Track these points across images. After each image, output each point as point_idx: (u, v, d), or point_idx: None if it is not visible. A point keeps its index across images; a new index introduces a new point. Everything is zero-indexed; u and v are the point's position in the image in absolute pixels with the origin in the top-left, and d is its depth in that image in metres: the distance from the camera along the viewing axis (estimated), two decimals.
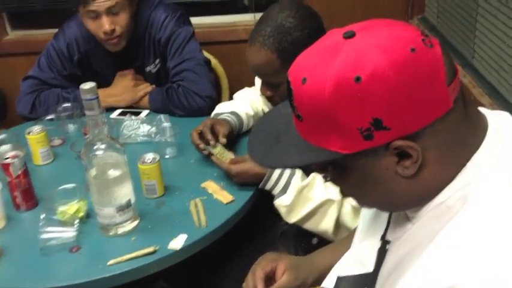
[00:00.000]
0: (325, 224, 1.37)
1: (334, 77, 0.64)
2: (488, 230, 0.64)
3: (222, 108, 1.71)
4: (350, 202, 1.34)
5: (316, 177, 1.39)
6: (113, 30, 1.77)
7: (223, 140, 1.51)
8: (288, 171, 1.40)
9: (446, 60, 0.66)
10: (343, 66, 0.64)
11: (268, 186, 1.42)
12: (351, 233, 1.17)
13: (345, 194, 0.77)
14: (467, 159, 0.69)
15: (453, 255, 0.64)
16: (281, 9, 1.37)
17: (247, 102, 1.71)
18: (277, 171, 1.41)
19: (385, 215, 0.83)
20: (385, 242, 0.80)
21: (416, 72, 0.63)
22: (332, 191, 1.36)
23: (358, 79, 0.63)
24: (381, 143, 0.65)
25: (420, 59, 0.64)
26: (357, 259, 0.87)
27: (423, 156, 0.66)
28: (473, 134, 0.70)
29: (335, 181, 0.77)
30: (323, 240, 1.42)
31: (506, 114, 0.75)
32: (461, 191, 0.68)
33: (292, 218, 1.39)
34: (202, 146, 1.51)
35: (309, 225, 1.39)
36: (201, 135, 1.53)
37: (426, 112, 0.64)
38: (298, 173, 1.40)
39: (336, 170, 0.73)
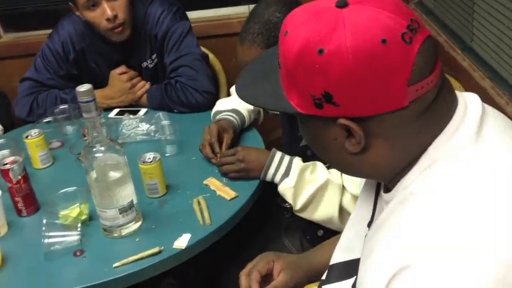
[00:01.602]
0: (330, 208, 1.36)
1: (303, 41, 0.66)
2: (438, 212, 0.64)
3: (222, 106, 1.69)
4: (349, 191, 1.35)
5: (317, 162, 1.40)
6: (115, 17, 1.75)
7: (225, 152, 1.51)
8: (287, 158, 1.40)
9: (420, 59, 0.65)
10: (315, 34, 0.65)
11: (269, 175, 1.41)
12: None
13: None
14: (428, 145, 0.69)
15: (404, 238, 0.65)
16: (267, 5, 1.37)
17: None
18: (276, 160, 1.41)
19: (370, 202, 0.83)
20: None
21: (375, 64, 0.63)
22: (334, 174, 1.36)
23: (321, 51, 0.64)
24: (330, 115, 0.68)
25: (385, 53, 0.63)
26: (346, 246, 0.88)
27: (368, 141, 0.68)
28: (432, 127, 0.69)
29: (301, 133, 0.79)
30: (328, 232, 1.41)
31: (471, 96, 0.74)
32: (421, 176, 0.69)
33: (299, 202, 1.38)
34: (214, 161, 1.51)
35: (313, 210, 1.38)
36: (210, 145, 1.53)
37: (375, 103, 0.65)
38: (298, 158, 1.41)
39: (300, 124, 0.77)
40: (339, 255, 0.89)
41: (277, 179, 1.41)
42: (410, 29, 0.65)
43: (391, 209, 0.72)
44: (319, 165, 1.40)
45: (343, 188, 1.36)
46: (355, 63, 0.63)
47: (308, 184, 1.37)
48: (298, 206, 1.38)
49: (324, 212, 1.38)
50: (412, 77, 0.64)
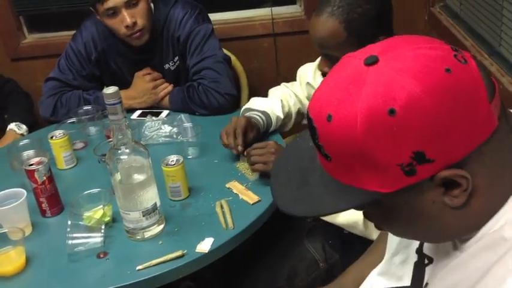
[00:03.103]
0: (355, 212, 1.33)
1: (365, 111, 0.58)
2: None
3: (254, 105, 1.69)
4: None
5: None
6: (135, 24, 1.76)
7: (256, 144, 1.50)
8: None
9: (483, 74, 0.60)
10: (373, 99, 0.58)
11: None
12: (378, 241, 1.15)
13: (388, 230, 0.72)
14: None
15: None
16: None
17: (279, 104, 1.69)
18: None
19: None
20: (422, 256, 0.76)
21: (456, 94, 0.58)
22: None
23: (392, 112, 0.57)
24: (425, 176, 0.59)
25: (458, 79, 0.58)
26: (392, 272, 0.84)
27: (472, 183, 0.60)
28: None
29: (376, 222, 0.70)
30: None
31: None
32: None
33: None
34: (234, 152, 1.51)
35: (338, 214, 1.35)
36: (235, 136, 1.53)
37: (472, 136, 0.59)
38: None
39: (375, 210, 0.67)
40: (382, 281, 0.85)
41: None
42: (455, 49, 0.61)
43: (473, 253, 0.65)
44: None
45: None
46: (434, 104, 0.57)
47: None
48: None
49: (348, 215, 1.36)
50: (488, 93, 0.60)
